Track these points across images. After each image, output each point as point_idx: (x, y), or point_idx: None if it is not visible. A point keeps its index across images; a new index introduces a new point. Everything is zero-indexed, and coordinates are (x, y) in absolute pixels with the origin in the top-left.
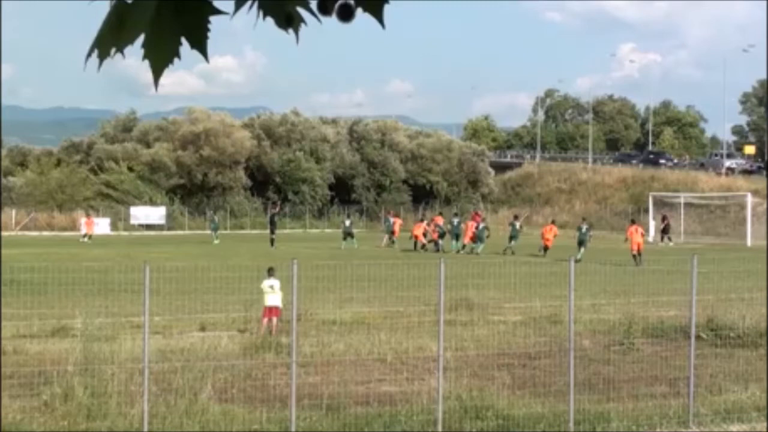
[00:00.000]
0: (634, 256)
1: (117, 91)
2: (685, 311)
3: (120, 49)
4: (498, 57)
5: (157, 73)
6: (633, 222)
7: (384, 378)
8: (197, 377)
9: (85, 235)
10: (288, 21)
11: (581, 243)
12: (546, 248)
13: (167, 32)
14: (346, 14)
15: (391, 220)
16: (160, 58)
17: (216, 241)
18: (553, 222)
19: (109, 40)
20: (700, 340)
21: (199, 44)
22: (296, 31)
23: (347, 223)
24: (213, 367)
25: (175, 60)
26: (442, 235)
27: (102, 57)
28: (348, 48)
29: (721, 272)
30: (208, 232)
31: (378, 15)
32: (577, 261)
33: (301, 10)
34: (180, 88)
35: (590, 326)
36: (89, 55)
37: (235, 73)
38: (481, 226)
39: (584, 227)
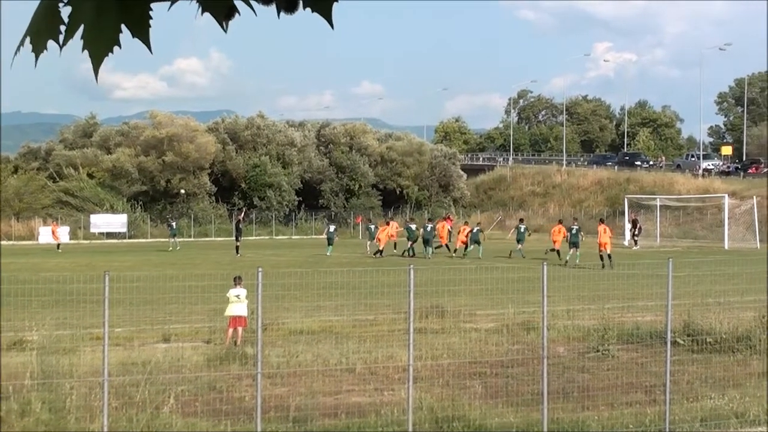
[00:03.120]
0: (601, 256)
1: (77, 95)
2: (662, 316)
3: (57, 40)
4: (470, 57)
5: (96, 63)
6: (602, 221)
7: (353, 388)
8: (160, 390)
9: (58, 246)
10: (229, 14)
11: (574, 245)
12: (555, 250)
13: (107, 19)
14: (290, 4)
15: (372, 227)
16: (99, 47)
17: (177, 248)
18: (560, 222)
19: (45, 32)
20: (676, 346)
21: (141, 33)
22: (227, 23)
23: (331, 228)
24: (176, 379)
25: (141, 65)
26: (414, 240)
27: (37, 52)
28: (317, 49)
29: (698, 276)
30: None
31: (327, 15)
32: (570, 264)
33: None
34: (143, 92)
35: (565, 333)
36: (18, 49)
37: (199, 75)
38: (476, 229)
39: (575, 228)
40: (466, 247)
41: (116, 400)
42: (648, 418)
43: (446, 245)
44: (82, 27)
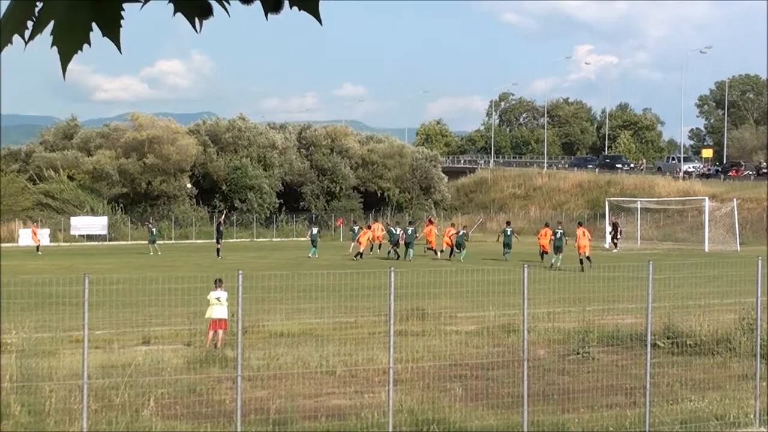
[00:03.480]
0: (581, 260)
1: (57, 97)
2: (642, 319)
3: (22, 35)
4: (453, 59)
5: (65, 60)
6: (580, 225)
7: (334, 391)
8: (140, 393)
9: (38, 248)
10: (205, 12)
11: (558, 249)
12: (544, 253)
13: (79, 17)
14: (276, 4)
15: (356, 228)
16: (69, 44)
17: (157, 253)
18: (546, 225)
19: (12, 26)
20: (657, 348)
21: (112, 32)
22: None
23: (314, 231)
24: (156, 382)
25: (122, 67)
26: (396, 243)
27: (1, 45)
28: (299, 52)
29: (678, 278)
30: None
31: (314, 12)
32: (554, 268)
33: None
34: (124, 94)
35: (545, 335)
36: None
37: (181, 77)
38: (462, 232)
39: (559, 232)
40: (451, 250)
41: (96, 402)
42: (628, 421)
43: (433, 248)
44: (51, 23)
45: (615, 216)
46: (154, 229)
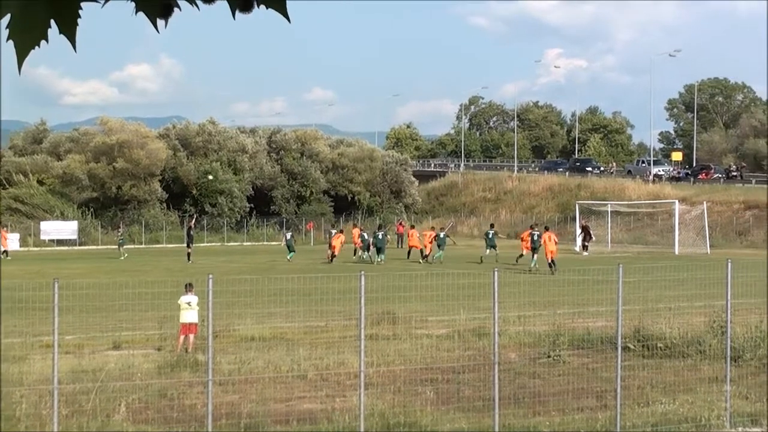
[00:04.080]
0: (549, 264)
1: (26, 101)
2: (613, 321)
3: None
4: (422, 63)
5: (21, 56)
6: (547, 229)
7: (305, 395)
8: (110, 398)
9: (6, 253)
10: (165, 13)
11: (534, 250)
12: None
13: (36, 13)
14: (246, 4)
15: (334, 232)
16: (25, 40)
17: (124, 256)
18: (531, 227)
19: None
20: (627, 351)
21: (69, 30)
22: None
23: (288, 235)
24: (127, 387)
25: (91, 71)
26: (367, 248)
27: None
28: (269, 56)
29: (649, 281)
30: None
31: (282, 10)
32: (533, 270)
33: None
34: (93, 98)
35: (516, 339)
36: None
37: (150, 81)
38: (442, 234)
39: (536, 234)
40: (429, 252)
41: (66, 408)
42: (599, 423)
43: (421, 251)
44: (8, 17)
45: (585, 219)
46: (120, 233)
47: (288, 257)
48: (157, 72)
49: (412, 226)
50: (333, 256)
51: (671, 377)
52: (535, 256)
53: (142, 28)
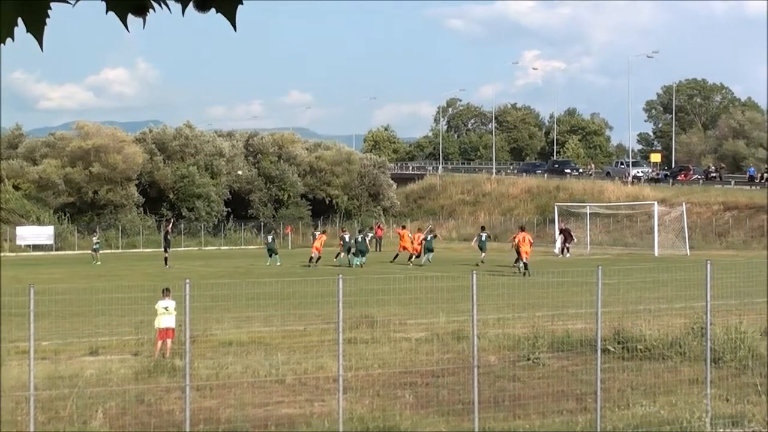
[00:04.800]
0: (525, 264)
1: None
2: (592, 324)
3: None
4: (399, 66)
5: None
6: (522, 229)
7: (283, 400)
8: (87, 404)
9: None
10: (139, 10)
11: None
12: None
13: (4, 11)
14: (202, 3)
15: (317, 233)
16: None
17: (97, 263)
18: (521, 229)
19: None
20: (607, 353)
21: (36, 29)
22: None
23: (269, 239)
24: (104, 392)
25: (67, 75)
26: (348, 250)
27: None
28: (245, 59)
29: (628, 283)
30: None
31: (230, 16)
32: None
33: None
34: (69, 102)
35: (496, 341)
36: None
37: (127, 85)
38: (429, 236)
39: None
40: (418, 255)
41: (43, 414)
42: (579, 426)
43: (410, 255)
44: None
45: (565, 222)
46: (95, 239)
47: (267, 263)
48: (133, 76)
49: (403, 227)
50: (312, 258)
51: (651, 379)
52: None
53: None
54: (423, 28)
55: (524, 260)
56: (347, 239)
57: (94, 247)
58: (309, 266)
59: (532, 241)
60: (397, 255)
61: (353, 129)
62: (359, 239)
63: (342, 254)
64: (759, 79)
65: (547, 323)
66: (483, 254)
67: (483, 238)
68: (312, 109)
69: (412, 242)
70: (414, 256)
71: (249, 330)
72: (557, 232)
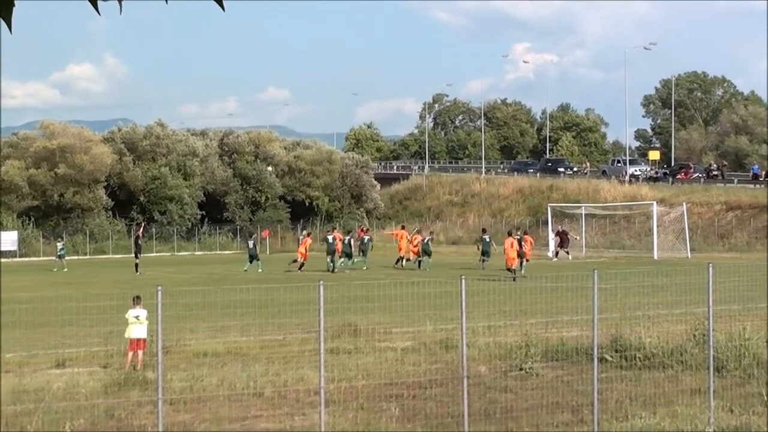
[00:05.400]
0: (513, 269)
1: None
2: (588, 331)
3: None
4: (382, 60)
5: None
6: (509, 234)
7: (261, 414)
8: (54, 420)
9: None
10: None
11: (520, 256)
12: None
13: None
14: None
15: (302, 237)
16: None
17: (63, 269)
18: (509, 234)
19: None
20: (604, 362)
21: (5, 12)
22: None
23: (250, 244)
24: (72, 407)
25: (30, 72)
26: (332, 254)
27: None
28: (219, 53)
29: (626, 288)
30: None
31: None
32: (518, 275)
33: None
34: (33, 100)
35: (486, 350)
36: None
37: (94, 82)
38: (427, 239)
39: (519, 237)
40: (418, 258)
41: (8, 430)
42: None
43: (401, 257)
44: None
45: (560, 224)
46: (59, 244)
47: (245, 268)
48: (100, 72)
49: (403, 227)
50: (297, 262)
51: (651, 389)
52: (523, 262)
53: (84, 23)
54: (406, 20)
55: (510, 266)
56: (346, 241)
57: (59, 253)
58: (290, 270)
59: (532, 241)
60: (400, 258)
61: (334, 127)
62: (345, 242)
63: (343, 258)
64: (762, 71)
65: (541, 331)
66: (487, 260)
67: (487, 241)
68: (290, 106)
69: (409, 242)
70: (405, 260)
71: (225, 340)
72: (550, 234)
